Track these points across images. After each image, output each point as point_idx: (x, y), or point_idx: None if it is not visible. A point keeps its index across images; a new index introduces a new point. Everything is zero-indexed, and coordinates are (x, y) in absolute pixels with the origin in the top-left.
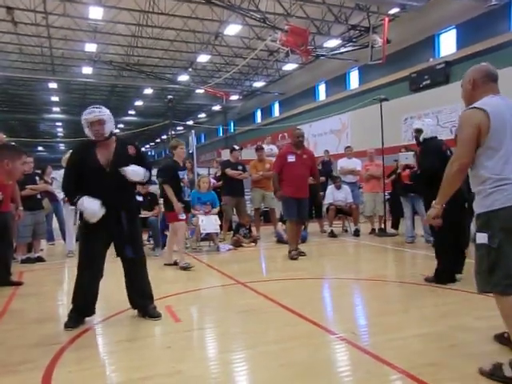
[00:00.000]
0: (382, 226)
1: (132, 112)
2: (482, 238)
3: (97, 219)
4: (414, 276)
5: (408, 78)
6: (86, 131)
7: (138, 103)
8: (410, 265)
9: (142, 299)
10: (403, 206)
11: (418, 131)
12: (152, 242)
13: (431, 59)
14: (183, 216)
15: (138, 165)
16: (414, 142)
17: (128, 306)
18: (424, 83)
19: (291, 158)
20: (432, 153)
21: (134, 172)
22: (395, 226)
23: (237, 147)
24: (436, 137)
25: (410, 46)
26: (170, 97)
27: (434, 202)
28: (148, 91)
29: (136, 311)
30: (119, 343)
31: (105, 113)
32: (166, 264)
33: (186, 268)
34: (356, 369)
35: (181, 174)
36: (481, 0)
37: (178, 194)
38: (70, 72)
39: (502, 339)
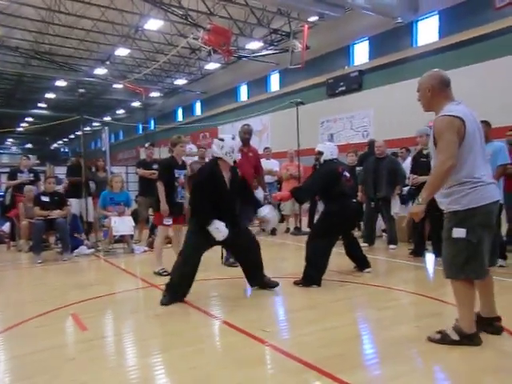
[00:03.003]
0: (298, 225)
1: (43, 105)
2: (460, 232)
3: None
4: (327, 272)
5: (325, 84)
6: (224, 154)
7: (50, 96)
8: None
9: (258, 279)
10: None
11: (320, 153)
12: (60, 245)
13: (346, 67)
14: (169, 221)
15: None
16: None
17: (30, 316)
18: (339, 89)
19: (237, 156)
20: (322, 175)
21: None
22: (311, 224)
23: (146, 145)
24: (334, 159)
25: (327, 54)
26: (81, 91)
27: (419, 198)
28: (61, 83)
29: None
30: (17, 358)
31: None
32: (155, 272)
33: (161, 274)
34: (264, 366)
35: (178, 172)
36: (389, 17)
37: (170, 195)
38: None
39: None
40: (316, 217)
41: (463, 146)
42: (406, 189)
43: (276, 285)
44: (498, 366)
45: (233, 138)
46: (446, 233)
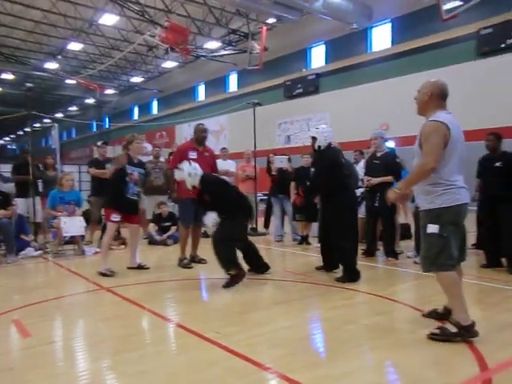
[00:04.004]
0: (254, 226)
1: None
2: (434, 228)
3: None
4: (281, 273)
5: (283, 86)
6: None
7: None
8: (279, 262)
9: None
10: (273, 205)
11: (313, 138)
12: (3, 247)
13: (304, 70)
14: (116, 218)
15: None
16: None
17: None
18: (297, 91)
19: (192, 155)
20: (324, 167)
21: None
22: (267, 225)
23: (99, 143)
24: (330, 145)
25: (285, 56)
26: (28, 85)
27: (397, 185)
28: (7, 76)
29: None
30: None
31: None
32: (128, 267)
33: (105, 274)
34: (216, 368)
35: (130, 169)
36: (344, 22)
37: (122, 190)
38: None
39: (434, 314)
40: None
41: (446, 151)
42: (359, 191)
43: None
44: (438, 360)
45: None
46: (422, 229)
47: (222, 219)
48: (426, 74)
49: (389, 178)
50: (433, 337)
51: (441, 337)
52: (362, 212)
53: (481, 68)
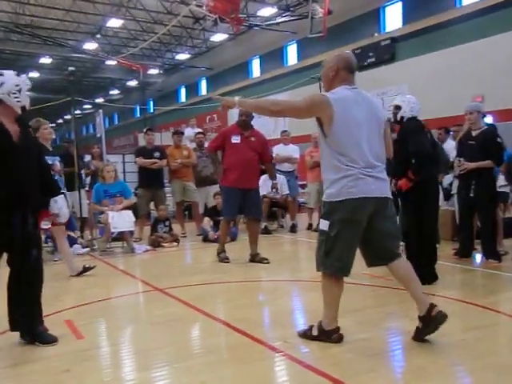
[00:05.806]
0: None
1: None
2: (324, 225)
3: None
4: (356, 275)
5: None
6: (3, 94)
7: (33, 75)
8: (354, 262)
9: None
10: None
11: (397, 108)
12: (50, 243)
13: (376, 34)
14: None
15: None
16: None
17: None
18: (369, 61)
19: (235, 139)
20: (415, 133)
21: None
22: None
23: (145, 129)
24: (416, 117)
25: (353, 19)
26: (71, 68)
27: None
28: (45, 60)
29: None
30: (5, 370)
31: None
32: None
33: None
34: (286, 381)
35: (49, 159)
36: None
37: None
38: None
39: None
40: None
41: (333, 134)
42: (448, 178)
43: (52, 341)
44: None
45: (17, 75)
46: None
47: None
48: None
49: (487, 163)
50: (299, 334)
51: (302, 336)
52: (452, 204)
53: None
